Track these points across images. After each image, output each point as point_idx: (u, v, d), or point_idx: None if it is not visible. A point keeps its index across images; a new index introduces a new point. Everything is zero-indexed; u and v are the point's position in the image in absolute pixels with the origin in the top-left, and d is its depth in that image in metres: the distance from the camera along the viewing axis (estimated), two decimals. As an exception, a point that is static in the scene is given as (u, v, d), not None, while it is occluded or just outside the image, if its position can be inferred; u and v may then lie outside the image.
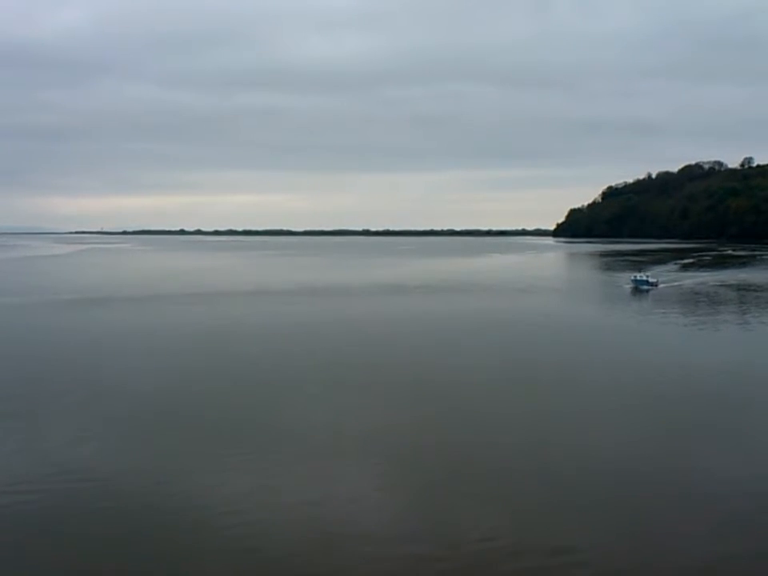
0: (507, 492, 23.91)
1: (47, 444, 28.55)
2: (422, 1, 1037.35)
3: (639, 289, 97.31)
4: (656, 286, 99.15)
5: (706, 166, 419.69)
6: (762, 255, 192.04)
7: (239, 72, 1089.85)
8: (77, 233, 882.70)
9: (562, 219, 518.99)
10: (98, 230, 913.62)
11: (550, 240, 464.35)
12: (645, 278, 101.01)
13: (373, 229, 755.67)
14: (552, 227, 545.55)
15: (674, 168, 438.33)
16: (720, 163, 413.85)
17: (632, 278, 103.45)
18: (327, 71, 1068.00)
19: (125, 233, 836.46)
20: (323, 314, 71.65)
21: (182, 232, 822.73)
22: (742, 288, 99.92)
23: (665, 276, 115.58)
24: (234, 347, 51.51)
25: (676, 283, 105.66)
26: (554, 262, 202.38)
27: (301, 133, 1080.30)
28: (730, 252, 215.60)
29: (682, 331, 60.01)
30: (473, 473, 25.51)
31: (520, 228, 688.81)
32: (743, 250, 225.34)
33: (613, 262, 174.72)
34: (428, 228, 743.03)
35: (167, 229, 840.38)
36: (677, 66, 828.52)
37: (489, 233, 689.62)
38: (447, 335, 57.39)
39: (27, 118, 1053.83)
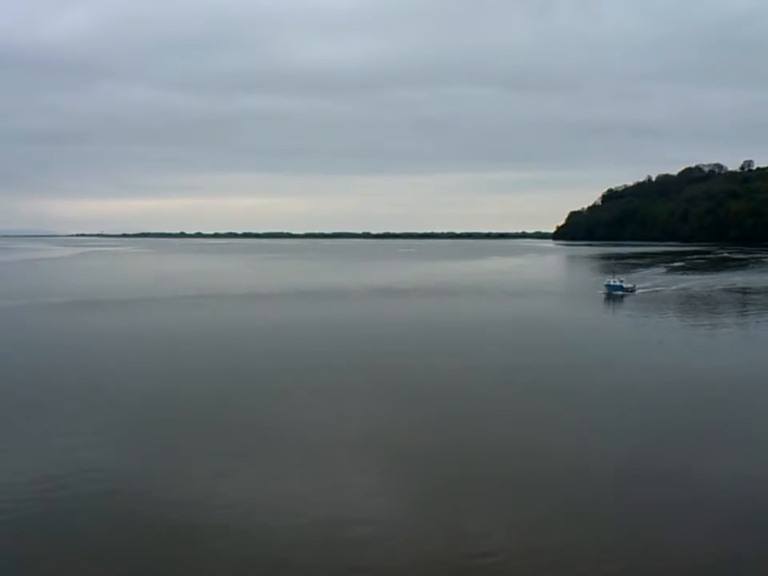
0: (509, 493, 24.00)
1: (47, 446, 28.69)
2: (425, 4, 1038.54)
3: (612, 295, 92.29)
4: (633, 291, 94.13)
5: (706, 169, 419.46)
6: (761, 258, 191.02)
7: (240, 75, 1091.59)
8: (77, 235, 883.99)
9: (562, 222, 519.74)
10: (98, 232, 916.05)
11: (550, 243, 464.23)
12: (619, 284, 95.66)
13: (373, 231, 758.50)
14: (552, 230, 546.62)
15: (674, 171, 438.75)
16: (720, 166, 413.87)
17: (605, 282, 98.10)
18: (329, 74, 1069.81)
19: (125, 235, 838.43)
20: (322, 316, 71.71)
21: (182, 235, 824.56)
22: (725, 292, 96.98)
23: (650, 280, 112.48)
24: (235, 349, 51.78)
25: (657, 288, 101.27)
26: (553, 265, 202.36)
27: (301, 136, 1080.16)
28: (725, 255, 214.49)
29: (642, 343, 58.34)
30: (473, 475, 25.66)
31: (520, 231, 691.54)
32: (741, 253, 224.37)
33: (611, 265, 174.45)
34: (428, 231, 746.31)
35: (167, 231, 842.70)
36: (677, 69, 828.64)
37: (489, 235, 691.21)
38: (446, 338, 57.67)
39: (28, 122, 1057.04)
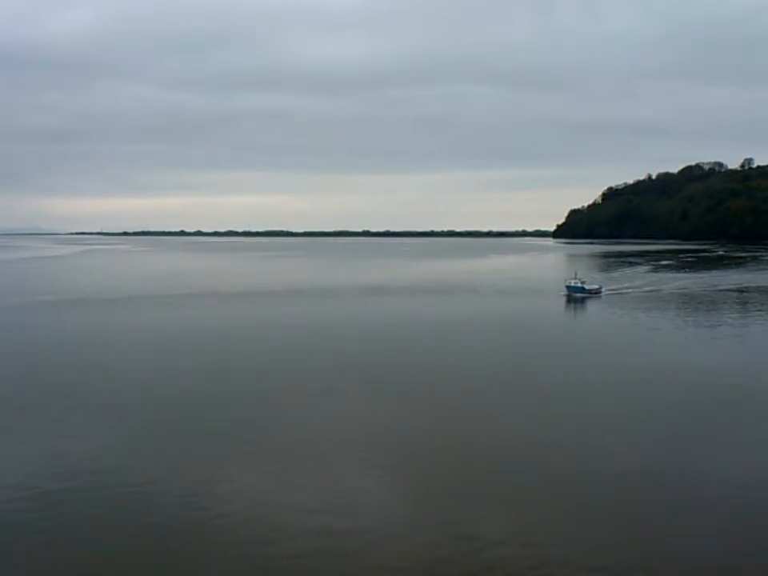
0: (511, 493, 24.28)
1: (47, 446, 29.05)
2: (426, 3, 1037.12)
3: (573, 297, 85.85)
4: (598, 293, 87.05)
5: (706, 167, 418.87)
6: (760, 257, 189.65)
7: (240, 73, 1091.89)
8: (76, 233, 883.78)
9: (562, 220, 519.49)
10: (98, 230, 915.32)
11: (550, 241, 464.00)
12: (580, 285, 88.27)
13: (373, 230, 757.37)
14: (552, 228, 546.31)
15: (675, 169, 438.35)
16: (720, 164, 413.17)
17: (566, 284, 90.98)
18: (329, 72, 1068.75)
19: (125, 234, 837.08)
20: (320, 315, 72.23)
21: (182, 233, 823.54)
22: (704, 294, 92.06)
23: (626, 281, 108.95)
24: (234, 348, 52.30)
25: (628, 290, 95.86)
26: (549, 264, 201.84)
27: (301, 134, 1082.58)
28: (721, 253, 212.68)
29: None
30: (476, 474, 25.97)
31: (520, 229, 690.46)
32: (740, 251, 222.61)
33: (610, 263, 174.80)
34: (428, 229, 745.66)
35: (167, 230, 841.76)
36: (678, 67, 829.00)
37: (489, 234, 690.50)
38: (440, 338, 58.14)
39: (29, 120, 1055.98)
